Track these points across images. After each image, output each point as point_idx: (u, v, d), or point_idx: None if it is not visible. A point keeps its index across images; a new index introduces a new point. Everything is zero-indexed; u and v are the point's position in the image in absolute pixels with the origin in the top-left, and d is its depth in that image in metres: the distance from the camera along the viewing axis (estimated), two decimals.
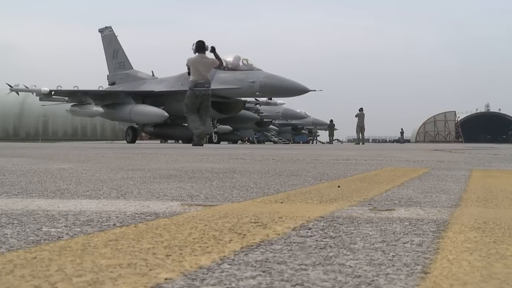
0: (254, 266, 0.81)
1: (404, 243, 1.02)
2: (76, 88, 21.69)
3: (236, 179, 2.59)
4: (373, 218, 1.35)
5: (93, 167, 3.49)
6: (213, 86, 20.09)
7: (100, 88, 23.98)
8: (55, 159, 4.71)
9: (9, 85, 21.23)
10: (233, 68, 19.68)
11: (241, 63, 19.61)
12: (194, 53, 13.69)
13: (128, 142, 21.05)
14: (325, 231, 1.14)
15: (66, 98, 21.15)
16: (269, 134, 31.90)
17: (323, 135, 44.30)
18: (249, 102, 22.55)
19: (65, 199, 1.73)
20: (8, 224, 1.20)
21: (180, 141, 23.86)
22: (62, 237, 1.05)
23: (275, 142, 31.29)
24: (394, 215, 1.41)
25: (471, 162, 4.92)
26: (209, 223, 1.20)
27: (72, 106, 21.33)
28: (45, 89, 20.28)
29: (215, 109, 19.63)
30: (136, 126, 21.82)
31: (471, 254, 0.90)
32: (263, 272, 0.78)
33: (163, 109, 20.00)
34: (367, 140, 44.52)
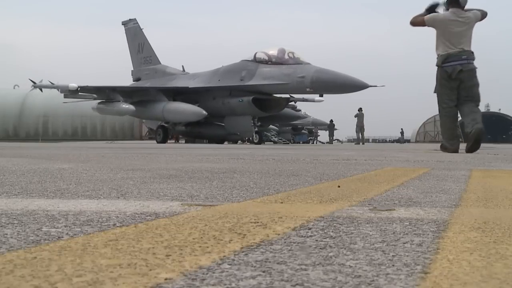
0: (254, 266, 0.81)
1: (404, 243, 1.02)
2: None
3: (236, 179, 2.59)
4: (373, 218, 1.35)
5: (93, 167, 3.49)
6: (256, 82, 17.93)
7: None
8: (55, 159, 4.71)
9: (32, 81, 19.80)
10: (278, 62, 17.77)
11: (286, 56, 17.74)
12: (447, 9, 8.57)
13: (158, 142, 19.66)
14: (325, 231, 1.14)
15: (95, 95, 19.62)
16: (269, 134, 31.88)
17: (323, 135, 44.29)
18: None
19: (65, 199, 1.73)
20: (8, 224, 1.20)
21: (206, 141, 22.01)
22: (62, 237, 1.05)
23: (275, 142, 31.27)
24: (394, 215, 1.41)
25: (471, 162, 4.92)
26: (209, 223, 1.20)
27: (98, 104, 19.82)
28: (73, 85, 18.80)
29: (257, 107, 18.06)
30: (166, 125, 20.26)
31: (471, 254, 0.90)
32: (263, 272, 0.78)
33: (197, 106, 18.49)
34: (367, 140, 44.54)
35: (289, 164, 4.12)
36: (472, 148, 8.05)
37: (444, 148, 8.59)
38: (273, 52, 18.22)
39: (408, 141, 58.61)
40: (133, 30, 25.22)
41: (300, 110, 24.68)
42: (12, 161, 4.30)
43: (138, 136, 33.78)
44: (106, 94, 19.35)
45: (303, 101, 23.94)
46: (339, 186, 2.20)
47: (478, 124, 8.12)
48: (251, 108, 18.11)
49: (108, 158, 5.01)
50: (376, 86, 17.53)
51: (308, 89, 17.08)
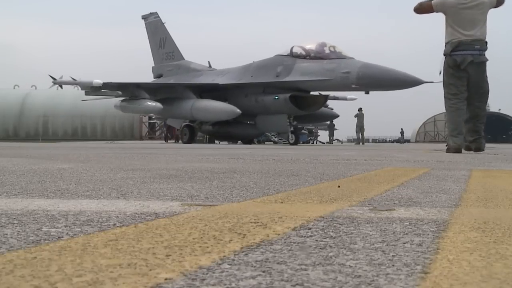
0: (254, 266, 0.81)
1: (404, 243, 1.02)
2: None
3: (236, 179, 2.59)
4: (373, 218, 1.35)
5: (93, 167, 3.49)
6: (295, 78, 16.49)
7: None
8: (55, 159, 4.71)
9: (52, 77, 18.44)
10: (318, 56, 16.38)
11: (327, 50, 16.38)
12: None
13: (184, 143, 18.54)
14: (325, 231, 1.14)
15: (119, 92, 18.23)
16: (269, 134, 31.75)
17: (323, 135, 44.23)
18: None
19: (65, 199, 1.73)
20: (8, 224, 1.20)
21: (240, 141, 20.67)
22: (62, 237, 1.05)
23: (275, 142, 31.24)
24: (394, 215, 1.41)
25: (471, 162, 4.92)
26: (209, 223, 1.20)
27: (122, 101, 18.49)
28: (98, 81, 17.45)
29: (293, 104, 16.65)
30: (193, 124, 18.98)
31: (471, 254, 0.90)
32: (263, 272, 0.78)
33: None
34: (367, 140, 44.48)
35: (289, 164, 4.12)
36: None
37: (448, 148, 7.84)
38: (311, 46, 16.87)
39: (408, 141, 58.58)
40: (154, 25, 23.99)
41: (332, 109, 22.41)
42: (12, 161, 4.30)
43: (138, 136, 33.78)
44: (130, 91, 18.11)
45: (334, 99, 22.16)
46: (339, 186, 2.20)
47: (479, 140, 7.63)
48: (288, 106, 16.68)
49: (108, 158, 5.01)
50: (432, 82, 15.53)
51: (353, 86, 15.63)
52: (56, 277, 0.72)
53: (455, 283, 0.72)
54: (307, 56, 16.74)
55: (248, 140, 20.03)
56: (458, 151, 7.60)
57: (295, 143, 17.54)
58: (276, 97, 16.82)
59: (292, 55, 17.12)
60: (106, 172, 3.07)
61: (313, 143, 38.49)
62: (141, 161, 4.46)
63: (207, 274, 0.76)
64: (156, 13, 24.22)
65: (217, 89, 18.42)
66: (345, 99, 23.07)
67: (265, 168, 3.53)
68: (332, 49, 16.48)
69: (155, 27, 24.02)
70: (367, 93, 16.39)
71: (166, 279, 0.72)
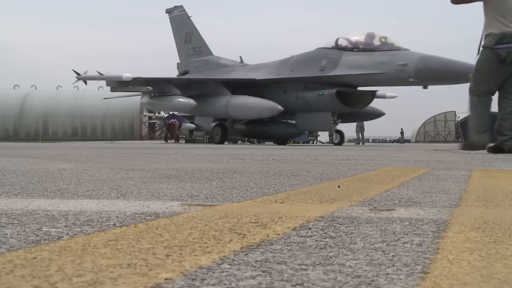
0: (254, 266, 0.81)
1: (404, 243, 1.02)
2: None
3: (236, 179, 2.59)
4: (373, 218, 1.35)
5: (93, 167, 3.49)
6: (342, 71, 15.20)
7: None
8: (55, 159, 4.71)
9: (75, 72, 17.22)
10: (367, 48, 15.17)
11: (378, 42, 15.17)
12: None
13: (216, 143, 17.13)
14: (325, 231, 1.14)
15: (150, 88, 17.06)
16: None
17: (323, 135, 44.16)
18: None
19: (65, 199, 1.73)
20: (8, 224, 1.20)
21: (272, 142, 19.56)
22: (62, 237, 1.05)
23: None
24: (394, 215, 1.41)
25: (471, 162, 4.92)
26: (209, 223, 1.20)
27: (150, 98, 17.61)
28: (128, 75, 16.24)
29: (339, 100, 15.41)
30: (225, 123, 17.67)
31: (471, 254, 0.90)
32: (263, 272, 0.78)
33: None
34: (367, 140, 44.46)
35: (289, 164, 4.12)
36: (496, 152, 6.93)
37: (468, 146, 7.25)
38: (358, 37, 15.67)
39: (408, 141, 58.55)
40: (179, 19, 22.83)
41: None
42: (12, 161, 4.30)
43: (138, 136, 33.81)
44: (160, 87, 17.09)
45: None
46: (339, 186, 2.20)
47: (485, 136, 7.02)
48: (334, 103, 15.43)
49: (108, 158, 5.01)
50: None
51: (411, 79, 14.37)
52: (56, 277, 0.72)
53: (455, 283, 0.72)
54: (355, 48, 15.54)
55: (282, 141, 18.69)
56: (482, 148, 7.10)
57: (340, 143, 16.33)
58: (321, 93, 15.58)
59: (338, 47, 15.89)
60: (106, 172, 3.07)
61: (313, 143, 38.49)
62: (141, 161, 4.47)
63: (207, 274, 0.76)
64: (181, 6, 23.08)
65: (252, 85, 17.13)
66: (384, 97, 21.34)
67: (265, 168, 3.53)
68: (383, 40, 15.28)
69: (180, 21, 22.89)
70: (425, 87, 15.05)
71: (166, 279, 0.72)
